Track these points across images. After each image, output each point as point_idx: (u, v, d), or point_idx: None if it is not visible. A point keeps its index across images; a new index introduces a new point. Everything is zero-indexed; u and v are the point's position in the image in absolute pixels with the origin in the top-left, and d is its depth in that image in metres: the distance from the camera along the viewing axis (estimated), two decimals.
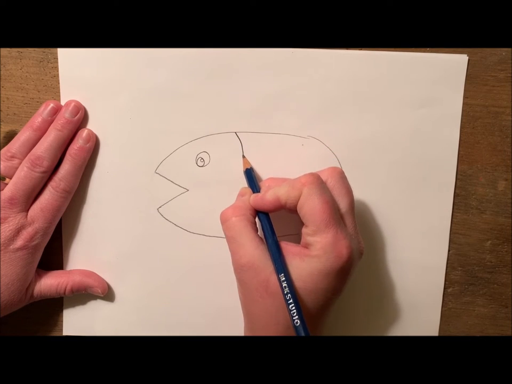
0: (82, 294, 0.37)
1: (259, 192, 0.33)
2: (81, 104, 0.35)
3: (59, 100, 0.36)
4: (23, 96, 0.37)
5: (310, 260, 0.30)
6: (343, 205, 0.31)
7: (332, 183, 0.31)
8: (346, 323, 0.38)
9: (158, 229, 0.37)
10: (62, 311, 0.39)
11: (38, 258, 0.35)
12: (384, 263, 0.37)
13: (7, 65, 0.36)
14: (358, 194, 0.36)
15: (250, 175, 0.35)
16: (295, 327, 0.28)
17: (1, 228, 0.33)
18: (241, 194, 0.34)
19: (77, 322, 0.39)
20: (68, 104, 0.35)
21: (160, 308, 0.38)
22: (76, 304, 0.38)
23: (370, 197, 0.36)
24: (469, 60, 0.35)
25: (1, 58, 0.36)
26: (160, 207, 0.37)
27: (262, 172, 0.36)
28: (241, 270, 0.31)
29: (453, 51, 0.35)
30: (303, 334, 0.28)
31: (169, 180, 0.37)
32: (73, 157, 0.35)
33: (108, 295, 0.38)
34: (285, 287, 0.29)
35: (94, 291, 0.37)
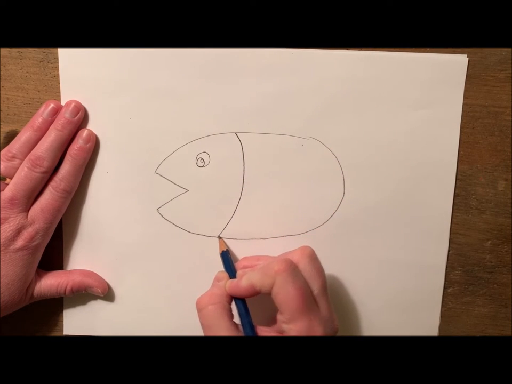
0: (83, 294, 0.37)
1: (233, 274, 0.34)
2: (81, 104, 0.35)
3: (59, 100, 0.36)
4: (23, 96, 0.37)
5: None
6: (316, 286, 0.31)
7: (302, 265, 0.31)
8: (347, 323, 0.38)
9: (158, 229, 0.37)
10: (62, 311, 0.39)
11: (39, 258, 0.35)
12: (384, 263, 0.37)
13: (7, 65, 0.36)
14: (358, 195, 0.36)
15: (226, 257, 0.35)
16: None
17: (2, 228, 0.33)
18: (217, 279, 0.34)
19: (77, 322, 0.39)
20: (68, 104, 0.35)
21: (160, 308, 0.38)
22: (76, 304, 0.38)
23: (370, 197, 0.36)
24: (469, 60, 0.35)
25: (1, 58, 0.36)
26: (160, 207, 0.37)
27: (262, 172, 0.36)
28: None
29: (453, 51, 0.35)
30: None
31: (169, 180, 0.37)
32: (74, 157, 0.35)
33: (108, 295, 0.38)
34: None
35: (94, 291, 0.37)
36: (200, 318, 0.32)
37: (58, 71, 0.36)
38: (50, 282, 0.36)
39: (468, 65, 0.35)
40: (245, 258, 0.36)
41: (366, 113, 0.36)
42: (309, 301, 0.30)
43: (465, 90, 0.35)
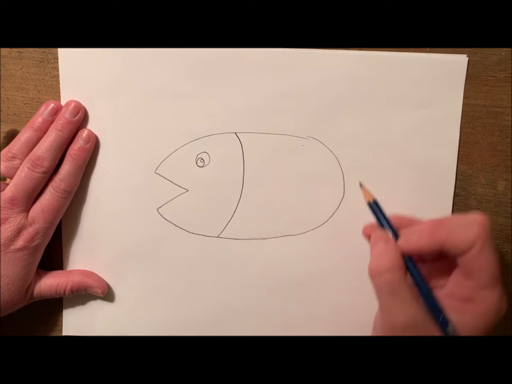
0: (82, 294, 0.37)
1: (394, 230, 0.31)
2: (81, 104, 0.35)
3: (59, 100, 0.36)
4: (23, 96, 0.37)
5: (475, 315, 0.28)
6: None
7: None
8: (347, 323, 0.38)
9: (157, 229, 0.37)
10: (62, 311, 0.39)
11: (39, 258, 0.35)
12: None
13: (7, 65, 0.36)
14: (358, 195, 0.36)
15: (380, 210, 0.32)
16: None
17: (2, 228, 0.33)
18: (384, 240, 0.30)
19: (77, 322, 0.39)
20: (68, 104, 0.35)
21: (160, 308, 0.38)
22: (75, 304, 0.38)
23: None
24: (469, 60, 0.35)
25: (1, 58, 0.36)
26: (160, 207, 0.37)
27: (262, 172, 0.36)
28: (403, 331, 0.28)
29: (453, 51, 0.35)
30: None
31: (169, 180, 0.37)
32: (74, 157, 0.35)
33: (107, 295, 0.38)
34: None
35: (93, 291, 0.37)
36: (378, 285, 0.29)
37: (58, 71, 0.36)
38: (50, 283, 0.36)
39: (467, 65, 0.35)
40: (396, 216, 0.32)
41: (366, 113, 0.36)
42: (500, 270, 0.28)
43: (465, 90, 0.35)
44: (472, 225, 0.28)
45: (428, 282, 0.30)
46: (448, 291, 0.30)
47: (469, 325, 0.28)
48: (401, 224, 0.31)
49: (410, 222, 0.32)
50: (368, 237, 0.32)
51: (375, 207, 0.32)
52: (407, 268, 0.30)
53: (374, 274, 0.29)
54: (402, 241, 0.30)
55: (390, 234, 0.31)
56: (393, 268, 0.29)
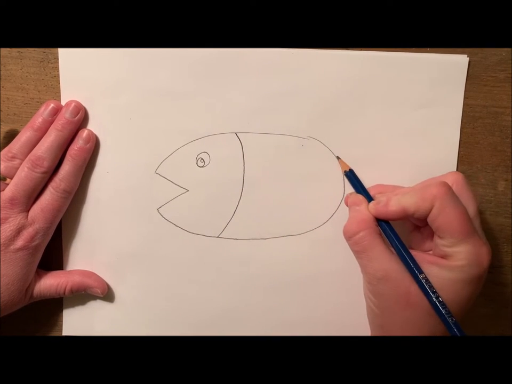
0: (82, 294, 0.37)
1: (369, 197, 0.33)
2: (81, 105, 0.35)
3: (59, 100, 0.36)
4: (23, 96, 0.37)
5: (451, 270, 0.29)
6: (470, 210, 0.31)
7: (457, 189, 0.31)
8: (347, 323, 0.38)
9: (158, 229, 0.37)
10: (62, 311, 0.39)
11: (38, 258, 0.35)
12: None
13: (7, 65, 0.36)
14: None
15: (354, 177, 0.34)
16: (451, 326, 0.29)
17: (2, 228, 0.33)
18: (355, 204, 0.33)
19: (77, 322, 0.39)
20: (68, 104, 0.35)
21: (160, 308, 0.38)
22: (75, 304, 0.38)
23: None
24: (469, 60, 0.35)
25: (1, 58, 0.36)
26: (160, 207, 0.37)
27: (262, 172, 0.36)
28: (377, 283, 0.30)
29: (453, 51, 0.35)
30: (458, 333, 0.29)
31: (169, 180, 0.37)
32: (74, 157, 0.35)
33: (107, 295, 0.38)
34: (430, 287, 0.29)
35: (93, 291, 0.37)
36: (351, 245, 0.32)
37: (58, 71, 0.36)
38: (49, 283, 0.36)
39: (468, 65, 0.35)
40: (378, 185, 0.35)
41: (366, 113, 0.36)
42: (470, 223, 0.30)
43: (465, 91, 0.35)
44: (429, 188, 0.30)
45: (418, 248, 0.33)
46: (429, 252, 0.32)
47: (446, 280, 0.30)
48: (383, 191, 0.34)
49: (392, 189, 0.34)
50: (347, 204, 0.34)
51: (350, 175, 0.35)
52: (383, 229, 0.32)
53: (345, 236, 0.32)
54: (372, 205, 0.32)
55: (363, 198, 0.33)
56: (361, 228, 0.31)
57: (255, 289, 0.38)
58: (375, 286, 0.31)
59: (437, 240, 0.30)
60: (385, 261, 0.30)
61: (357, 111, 0.36)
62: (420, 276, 0.30)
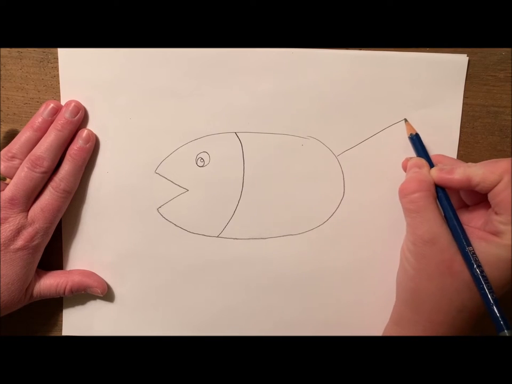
0: (82, 294, 0.37)
1: (431, 162, 0.33)
2: (81, 104, 0.35)
3: (59, 100, 0.36)
4: (23, 96, 0.37)
5: (499, 247, 0.30)
6: None
7: None
8: (347, 323, 0.38)
9: (158, 229, 0.37)
10: (62, 311, 0.39)
11: (38, 258, 0.35)
12: (385, 264, 0.37)
13: (7, 65, 0.36)
14: (358, 194, 0.36)
15: (419, 141, 0.34)
16: (490, 302, 0.29)
17: (2, 228, 0.33)
18: (418, 166, 0.33)
19: (77, 322, 0.39)
20: (68, 104, 0.35)
21: (160, 308, 0.38)
22: (75, 304, 0.38)
23: (370, 197, 0.36)
24: (469, 59, 0.35)
25: (1, 58, 0.36)
26: (160, 207, 0.37)
27: (263, 172, 0.36)
28: (423, 245, 0.31)
29: (453, 51, 0.35)
30: (497, 310, 0.29)
31: (169, 180, 0.37)
32: (73, 157, 0.35)
33: (107, 295, 0.38)
34: (476, 261, 0.29)
35: (93, 291, 0.37)
36: (405, 203, 0.32)
37: (58, 71, 0.36)
38: (49, 282, 0.36)
39: (468, 65, 0.35)
40: (439, 155, 0.35)
41: (366, 113, 0.36)
42: None
43: (465, 90, 0.35)
44: (499, 162, 0.30)
45: (468, 223, 0.32)
46: (480, 226, 0.32)
47: (493, 256, 0.30)
48: (443, 162, 0.34)
49: (453, 161, 0.34)
50: (405, 168, 0.35)
51: (415, 139, 0.34)
52: (439, 197, 0.32)
53: (401, 194, 0.32)
54: (435, 171, 0.32)
55: (426, 163, 0.33)
56: (419, 190, 0.31)
57: (255, 289, 0.38)
58: (419, 248, 0.31)
59: (493, 216, 0.30)
60: (437, 225, 0.30)
61: (357, 110, 0.36)
62: (468, 248, 0.30)
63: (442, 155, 0.35)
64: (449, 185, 0.32)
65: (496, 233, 0.30)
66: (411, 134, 0.35)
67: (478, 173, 0.30)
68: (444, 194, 0.32)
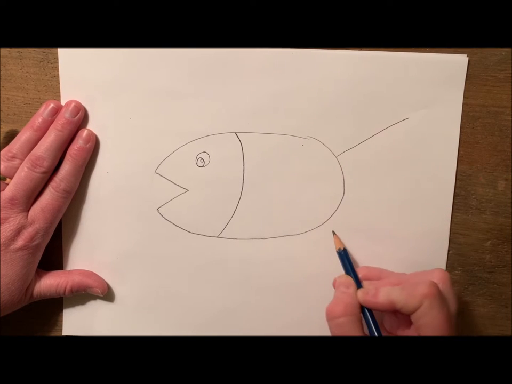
0: (82, 294, 0.37)
1: (357, 279, 0.34)
2: (81, 104, 0.35)
3: (59, 100, 0.36)
4: (23, 96, 0.37)
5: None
6: (452, 309, 0.31)
7: (443, 288, 0.31)
8: None
9: (158, 229, 0.37)
10: (62, 311, 0.39)
11: (39, 258, 0.35)
12: (384, 263, 0.37)
13: (7, 65, 0.36)
14: (357, 194, 0.36)
15: (347, 258, 0.35)
16: None
17: (2, 228, 0.33)
18: (345, 286, 0.33)
19: (77, 322, 0.39)
20: (68, 104, 0.35)
21: (160, 308, 0.38)
22: (75, 304, 0.38)
23: (370, 197, 0.36)
24: (469, 60, 0.35)
25: (1, 58, 0.36)
26: (160, 207, 0.37)
27: (262, 172, 0.36)
28: None
29: (453, 51, 0.35)
30: None
31: (169, 180, 0.37)
32: (73, 157, 0.35)
33: (107, 295, 0.38)
34: None
35: (93, 291, 0.37)
36: (332, 327, 0.32)
37: (58, 71, 0.36)
38: (49, 282, 0.36)
39: (468, 65, 0.35)
40: (365, 267, 0.36)
41: (366, 113, 0.36)
42: (452, 326, 0.30)
43: (465, 90, 0.35)
44: (419, 286, 0.30)
45: (393, 333, 0.33)
46: (408, 333, 0.32)
47: None
48: (369, 275, 0.34)
49: (378, 273, 0.35)
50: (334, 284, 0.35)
51: (343, 255, 0.35)
52: (363, 315, 0.32)
53: (328, 317, 0.32)
54: (360, 293, 0.32)
55: (353, 282, 0.33)
56: (345, 314, 0.31)
57: (255, 289, 0.38)
58: None
59: (415, 332, 0.30)
60: None
61: (357, 110, 0.36)
62: None
63: (367, 267, 0.36)
64: (374, 308, 0.32)
65: None
66: (339, 249, 0.35)
67: (400, 297, 0.30)
68: (370, 314, 0.32)
